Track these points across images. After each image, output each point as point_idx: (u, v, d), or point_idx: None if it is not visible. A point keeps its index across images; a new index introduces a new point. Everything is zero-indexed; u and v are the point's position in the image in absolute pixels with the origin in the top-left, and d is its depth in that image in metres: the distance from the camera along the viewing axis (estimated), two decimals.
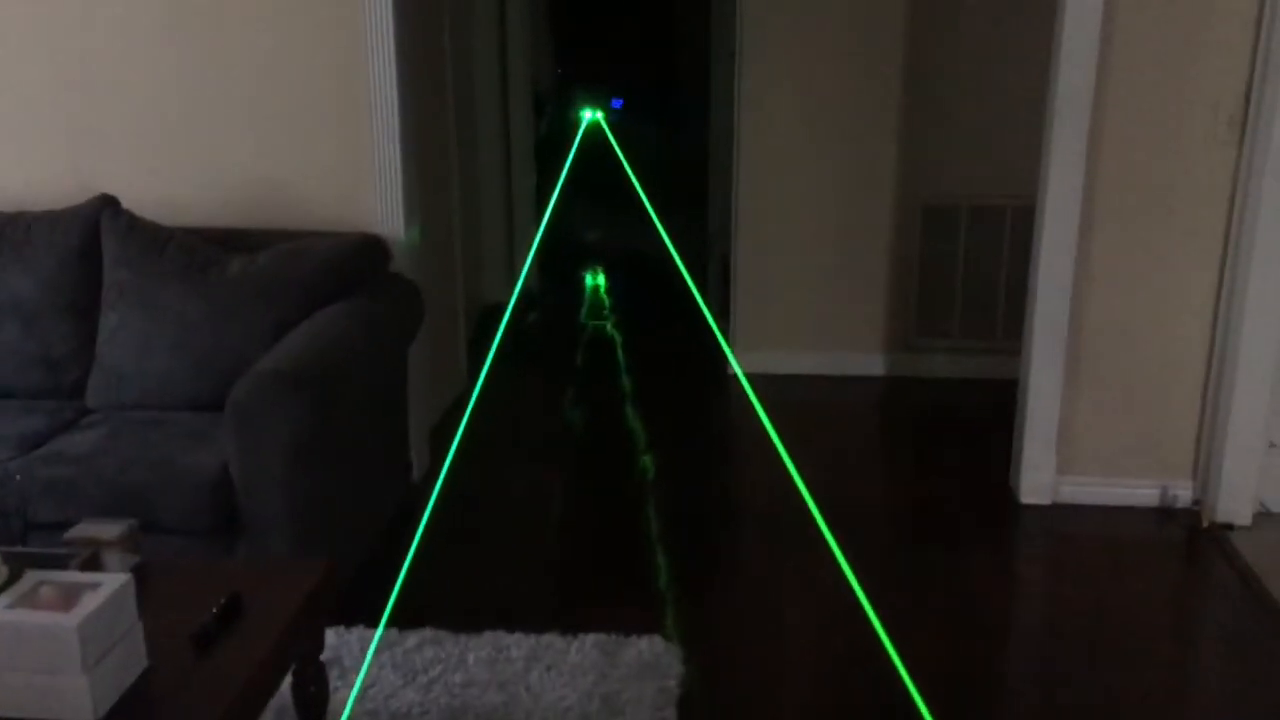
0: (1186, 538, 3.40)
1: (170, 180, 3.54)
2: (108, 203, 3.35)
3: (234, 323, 3.15)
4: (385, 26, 3.41)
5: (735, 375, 4.69)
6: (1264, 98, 3.14)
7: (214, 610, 2.05)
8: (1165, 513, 3.51)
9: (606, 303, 5.93)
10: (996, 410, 3.98)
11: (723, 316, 4.93)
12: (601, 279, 6.25)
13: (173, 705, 1.89)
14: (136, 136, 3.53)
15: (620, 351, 5.13)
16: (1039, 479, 3.55)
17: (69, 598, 1.84)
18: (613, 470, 3.94)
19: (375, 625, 2.84)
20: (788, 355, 4.71)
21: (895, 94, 4.44)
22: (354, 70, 3.43)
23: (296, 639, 2.16)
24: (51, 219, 3.34)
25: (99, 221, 3.31)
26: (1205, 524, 3.38)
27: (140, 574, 2.13)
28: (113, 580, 1.89)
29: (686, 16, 7.58)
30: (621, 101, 8.47)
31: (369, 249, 3.37)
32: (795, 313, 4.70)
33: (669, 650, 2.74)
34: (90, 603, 1.82)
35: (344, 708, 2.51)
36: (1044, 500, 3.56)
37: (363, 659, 2.70)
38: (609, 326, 5.51)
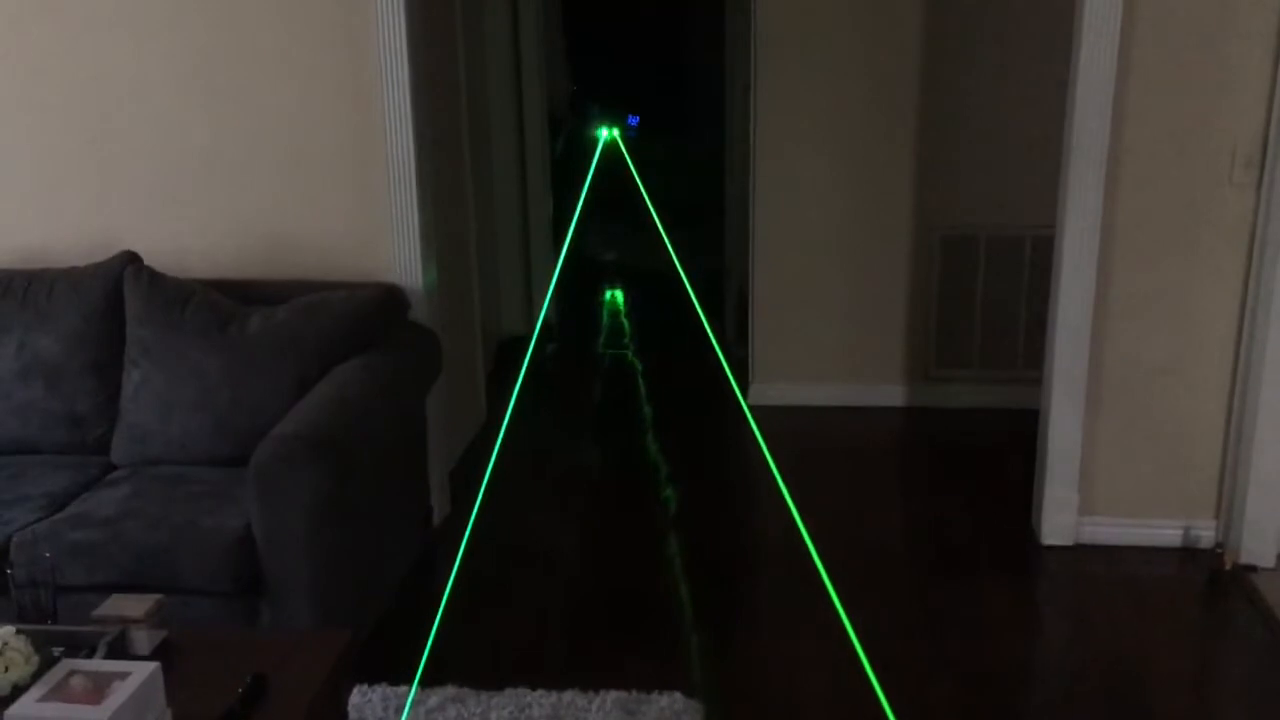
0: (1209, 579, 3.39)
1: (191, 232, 3.57)
2: (130, 259, 3.38)
3: (254, 380, 3.18)
4: (401, 79, 3.43)
5: (758, 405, 4.69)
6: None
7: (239, 691, 2.08)
8: (1188, 553, 3.50)
9: (626, 328, 5.95)
10: (1018, 440, 3.97)
11: (741, 346, 4.93)
12: (620, 298, 6.27)
13: None
14: (158, 190, 3.57)
15: (640, 380, 5.15)
16: (1061, 520, 3.54)
17: (99, 688, 1.87)
18: (633, 511, 3.96)
19: (397, 683, 2.87)
20: (807, 387, 4.71)
21: (912, 123, 4.44)
22: (370, 122, 3.46)
23: (320, 715, 2.18)
24: (74, 276, 3.38)
25: (121, 278, 3.35)
26: (1228, 566, 3.37)
27: (166, 651, 2.16)
28: (141, 669, 1.92)
29: (701, 36, 7.58)
30: (637, 119, 8.47)
31: (387, 301, 3.39)
32: (814, 344, 4.70)
33: (690, 708, 2.75)
34: (120, 694, 1.84)
35: None
36: (1066, 541, 3.56)
37: (386, 716, 2.72)
38: (629, 355, 5.53)
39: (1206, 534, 3.49)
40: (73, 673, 1.91)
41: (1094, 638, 3.16)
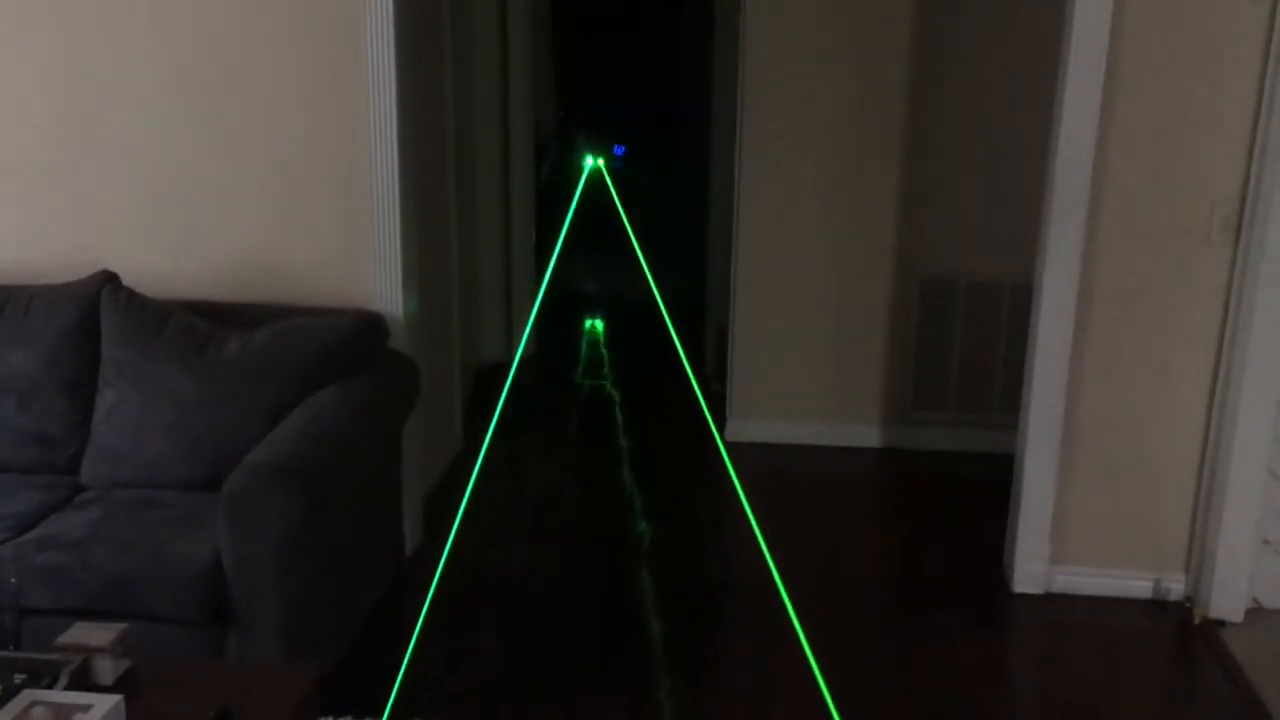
0: (1178, 632, 3.40)
1: (171, 254, 3.56)
2: (108, 279, 3.36)
3: (230, 405, 3.16)
4: (388, 108, 3.43)
5: (734, 442, 4.71)
6: (1259, 201, 3.16)
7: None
8: (1158, 605, 3.52)
9: (605, 358, 5.94)
10: (992, 486, 3.98)
11: (719, 382, 4.94)
12: (600, 328, 6.26)
13: None
14: (138, 211, 3.55)
15: (618, 412, 5.14)
16: (1032, 569, 3.55)
17: None
18: (608, 544, 3.95)
19: (363, 715, 2.84)
20: (784, 425, 4.72)
21: (895, 166, 4.47)
22: (355, 150, 3.45)
23: None
24: (52, 295, 3.36)
25: (98, 298, 3.32)
26: (1197, 620, 3.39)
27: (130, 681, 2.14)
28: (103, 702, 1.90)
29: (691, 68, 7.62)
30: (624, 149, 8.50)
31: (367, 328, 3.37)
32: (792, 382, 4.71)
33: None
34: None
35: None
36: (1037, 590, 3.57)
37: None
38: (607, 385, 5.52)
39: (1176, 587, 3.51)
40: (34, 703, 1.89)
41: (1060, 687, 3.17)
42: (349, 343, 3.32)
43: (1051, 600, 3.55)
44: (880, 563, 3.96)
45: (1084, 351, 3.40)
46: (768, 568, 3.78)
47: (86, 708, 1.87)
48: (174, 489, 3.15)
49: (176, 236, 3.56)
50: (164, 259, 3.55)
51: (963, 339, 4.61)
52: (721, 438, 4.79)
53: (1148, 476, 3.46)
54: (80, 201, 3.57)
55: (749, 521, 4.20)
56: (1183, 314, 3.34)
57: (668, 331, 5.49)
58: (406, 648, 2.79)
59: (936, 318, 4.60)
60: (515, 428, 4.92)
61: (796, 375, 4.71)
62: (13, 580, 2.32)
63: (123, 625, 2.27)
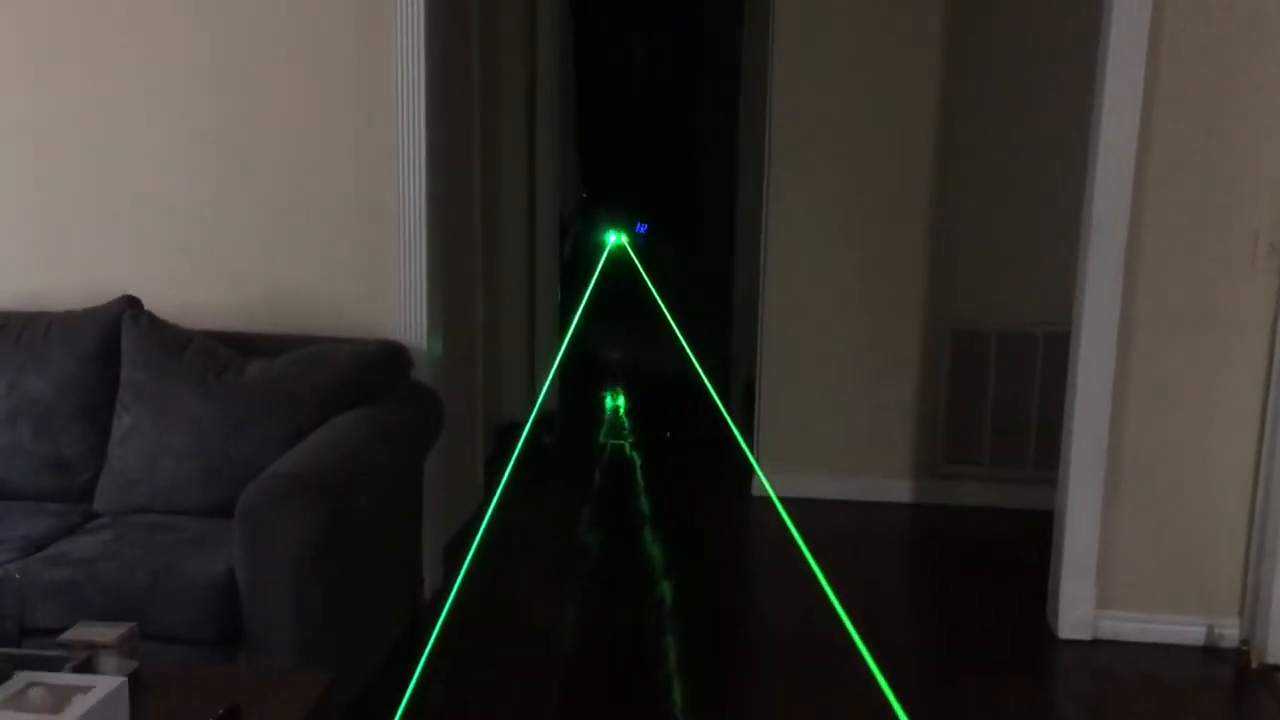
0: (1235, 679, 3.24)
1: (193, 284, 3.51)
2: (130, 304, 3.31)
3: (249, 429, 3.08)
4: (417, 136, 3.41)
5: (758, 497, 4.59)
6: None
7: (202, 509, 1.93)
8: (1211, 652, 3.35)
9: (626, 424, 5.85)
10: (1030, 542, 3.85)
11: (747, 438, 4.83)
12: (621, 401, 6.18)
13: None
14: (161, 239, 3.52)
15: (639, 473, 5.04)
16: (1078, 613, 3.40)
17: (59, 701, 1.73)
18: (630, 595, 3.81)
19: None
20: (812, 479, 4.59)
21: (924, 217, 4.42)
22: (382, 180, 3.43)
23: None
24: (71, 319, 3.31)
25: (119, 322, 3.27)
26: (1254, 664, 3.22)
27: (136, 680, 2.02)
28: (106, 683, 1.79)
29: (713, 137, 7.66)
30: (646, 227, 8.51)
31: (389, 356, 3.31)
32: (821, 436, 4.60)
33: None
34: (80, 706, 1.71)
35: None
36: (1084, 636, 3.41)
37: None
38: (628, 447, 5.43)
39: (1230, 633, 3.35)
40: (32, 685, 1.77)
41: None
42: (371, 369, 3.25)
43: (1099, 646, 3.39)
44: (917, 616, 3.80)
45: (1127, 385, 3.30)
46: (794, 619, 3.68)
47: (87, 689, 1.75)
48: (189, 515, 3.05)
49: (199, 267, 3.52)
50: (189, 291, 3.50)
51: (995, 391, 4.51)
52: (749, 490, 4.68)
53: (1197, 516, 3.33)
54: (104, 234, 3.53)
55: (776, 571, 4.10)
56: (1228, 345, 3.24)
57: (690, 398, 5.47)
58: (419, 683, 2.69)
59: (968, 369, 4.50)
60: (538, 484, 4.84)
61: (825, 429, 4.60)
62: (17, 576, 2.21)
63: (130, 624, 2.16)
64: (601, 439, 5.53)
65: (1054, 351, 4.14)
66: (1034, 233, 4.32)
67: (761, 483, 4.64)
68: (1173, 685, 3.21)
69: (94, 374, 3.24)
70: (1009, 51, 4.32)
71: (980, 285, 4.44)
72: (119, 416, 3.19)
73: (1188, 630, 3.37)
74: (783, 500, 4.57)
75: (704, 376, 3.68)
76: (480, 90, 4.42)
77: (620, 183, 8.72)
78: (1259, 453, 3.27)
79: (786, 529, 4.37)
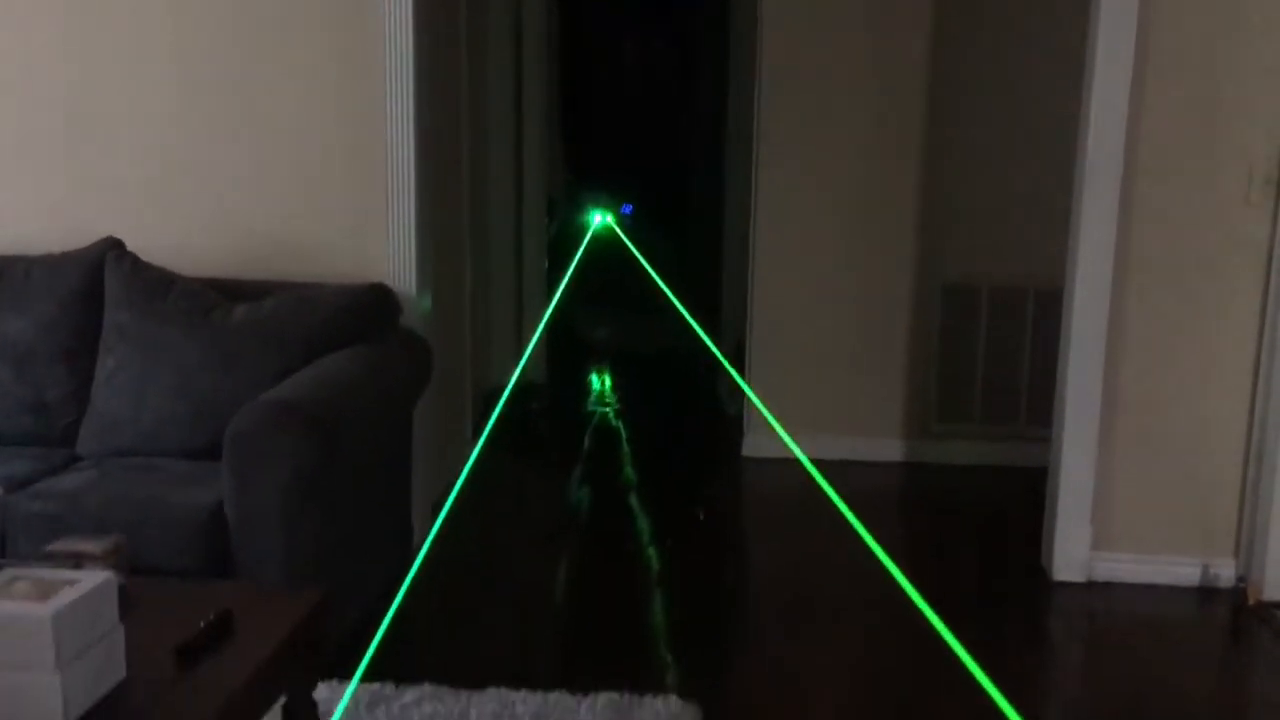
0: (1231, 617, 3.22)
1: (179, 229, 3.45)
2: (113, 245, 3.26)
3: (236, 368, 3.03)
4: (405, 82, 3.37)
5: (752, 456, 4.56)
6: None
7: (202, 625, 1.89)
8: (1207, 591, 3.33)
9: (611, 395, 5.82)
10: (1023, 497, 3.82)
11: (735, 402, 4.81)
12: (608, 378, 6.15)
13: (150, 718, 1.71)
14: (146, 184, 3.46)
15: (625, 439, 5.01)
16: (1073, 555, 3.38)
17: (44, 592, 1.68)
18: (619, 548, 3.76)
19: (369, 682, 2.65)
20: (803, 439, 4.54)
21: (914, 173, 4.40)
22: (371, 123, 3.38)
23: (288, 665, 1.98)
24: (52, 261, 3.25)
25: (103, 264, 3.22)
26: (1252, 601, 3.20)
27: (125, 593, 1.97)
28: (93, 577, 1.73)
29: (700, 116, 7.63)
30: (631, 207, 8.49)
31: (378, 299, 3.26)
32: (811, 396, 4.57)
33: (686, 709, 2.54)
34: (67, 596, 1.66)
35: None
36: (1079, 578, 3.39)
37: (358, 715, 2.49)
38: (612, 415, 5.39)
39: (1226, 572, 3.33)
40: (16, 579, 1.72)
41: (1115, 674, 2.95)
42: (359, 311, 3.20)
43: (1095, 588, 3.37)
44: (912, 566, 3.76)
45: (1122, 325, 3.29)
46: (783, 564, 3.65)
47: (74, 582, 1.70)
48: (175, 458, 2.99)
49: (185, 212, 3.47)
50: (172, 235, 3.44)
51: (987, 348, 4.49)
52: (739, 452, 4.65)
53: (1192, 455, 3.31)
54: (90, 179, 3.48)
55: (766, 524, 4.07)
56: (1223, 281, 3.23)
57: (676, 373, 5.44)
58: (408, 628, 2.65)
59: (959, 326, 4.48)
60: (525, 447, 4.81)
61: (816, 388, 4.57)
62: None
63: (118, 535, 2.11)
64: (590, 407, 5.51)
65: (1046, 307, 4.12)
66: (1025, 188, 4.31)
67: (743, 444, 4.61)
68: (1170, 624, 3.20)
69: (77, 316, 3.18)
70: (1002, 11, 4.30)
71: (972, 241, 4.42)
72: (103, 359, 3.14)
73: (1183, 570, 3.35)
74: (775, 460, 4.55)
75: (696, 327, 3.65)
76: (468, 78, 4.41)
77: (605, 165, 8.70)
78: (1254, 391, 3.26)
79: (781, 490, 4.37)
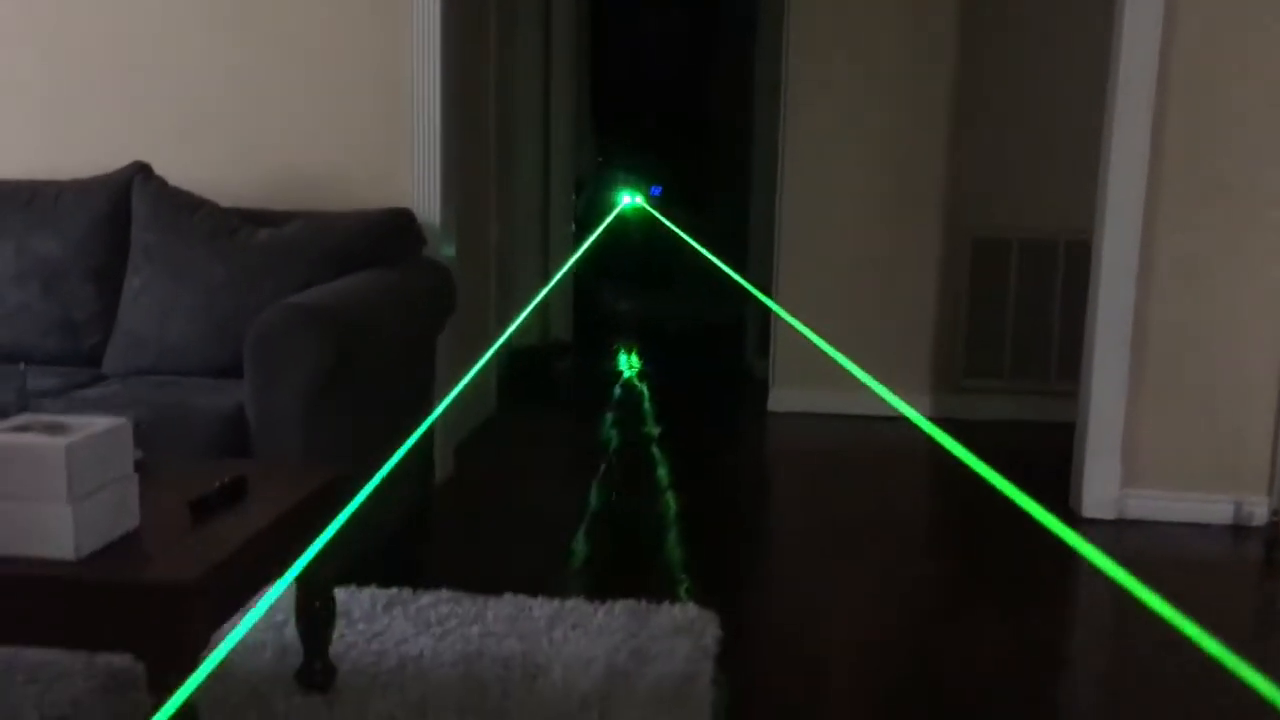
0: (1264, 556, 3.15)
1: (206, 159, 3.47)
2: (140, 169, 3.28)
3: (259, 286, 3.03)
4: (432, 16, 3.38)
5: (778, 412, 4.53)
6: None
7: (216, 485, 1.88)
8: (1240, 530, 3.27)
9: (637, 361, 5.81)
10: (1053, 452, 3.72)
11: (762, 355, 4.78)
12: (635, 349, 6.14)
13: (160, 561, 1.70)
14: (173, 114, 3.49)
15: (650, 398, 4.99)
16: (1102, 491, 3.33)
17: (60, 431, 1.68)
18: (643, 487, 3.74)
19: (387, 588, 2.64)
20: (830, 394, 4.52)
21: (943, 123, 4.37)
22: (397, 58, 3.39)
23: (300, 531, 1.98)
24: (81, 185, 3.28)
25: (130, 187, 3.24)
26: None
27: (140, 467, 1.97)
28: (108, 420, 1.74)
29: (727, 66, 7.61)
30: (660, 189, 8.48)
31: (401, 221, 3.27)
32: (838, 349, 4.53)
33: (704, 615, 2.51)
34: (82, 433, 1.66)
35: (349, 655, 2.29)
36: (1108, 515, 3.33)
37: (374, 614, 2.48)
38: (638, 377, 5.38)
39: (1259, 510, 3.27)
40: (34, 423, 1.72)
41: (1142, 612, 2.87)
42: (383, 233, 3.21)
43: (1124, 525, 3.31)
44: (935, 509, 3.74)
45: (1152, 256, 3.24)
46: (804, 502, 3.62)
47: (89, 424, 1.70)
48: (197, 375, 3.00)
49: (211, 142, 3.49)
50: (198, 164, 3.45)
51: (1016, 302, 4.44)
52: (765, 409, 4.63)
53: (1224, 390, 3.26)
54: (116, 109, 3.51)
55: (791, 472, 4.01)
56: (1257, 210, 3.18)
57: (699, 343, 5.42)
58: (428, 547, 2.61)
59: (988, 279, 4.44)
60: (550, 408, 4.80)
61: (842, 341, 4.51)
62: (22, 366, 2.17)
63: (135, 416, 2.11)
64: (617, 368, 5.50)
65: (1077, 260, 4.07)
66: (1055, 140, 4.26)
67: (769, 399, 4.58)
68: (1203, 563, 3.14)
69: (105, 237, 3.20)
70: None
71: (1001, 193, 4.38)
72: (129, 279, 3.16)
73: (1215, 508, 3.29)
74: (799, 415, 4.53)
75: (729, 270, 3.61)
76: (496, 61, 4.41)
77: (635, 147, 8.70)
78: None
79: (805, 444, 4.34)
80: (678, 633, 2.41)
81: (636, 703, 2.10)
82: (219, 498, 1.86)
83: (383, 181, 3.46)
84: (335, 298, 2.75)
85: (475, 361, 4.28)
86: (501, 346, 4.80)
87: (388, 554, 2.94)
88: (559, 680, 2.19)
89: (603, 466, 3.92)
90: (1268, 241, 3.19)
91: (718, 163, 8.04)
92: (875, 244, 4.46)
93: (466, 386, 4.01)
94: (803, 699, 2.32)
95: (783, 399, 4.57)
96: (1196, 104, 3.17)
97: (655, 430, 4.34)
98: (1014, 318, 4.45)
